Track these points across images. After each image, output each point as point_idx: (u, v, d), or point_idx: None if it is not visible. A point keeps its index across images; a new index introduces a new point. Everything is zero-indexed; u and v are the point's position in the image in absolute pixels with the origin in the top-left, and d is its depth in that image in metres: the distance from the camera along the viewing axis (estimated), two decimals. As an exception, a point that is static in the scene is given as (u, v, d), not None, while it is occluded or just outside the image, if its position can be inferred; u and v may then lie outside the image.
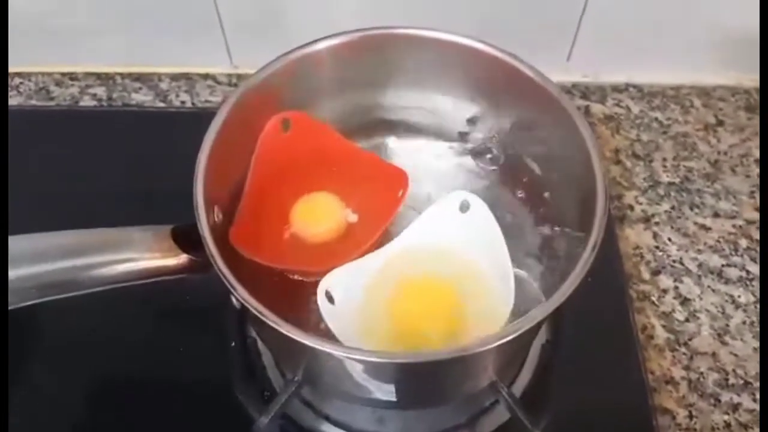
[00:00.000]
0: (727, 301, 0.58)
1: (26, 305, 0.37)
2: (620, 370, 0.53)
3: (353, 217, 0.48)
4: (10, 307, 0.36)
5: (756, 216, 0.63)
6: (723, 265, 0.60)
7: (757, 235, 0.62)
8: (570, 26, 0.67)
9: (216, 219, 0.41)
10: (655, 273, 0.60)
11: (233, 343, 0.53)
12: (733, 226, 0.62)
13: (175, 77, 0.72)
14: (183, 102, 0.70)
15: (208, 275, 0.37)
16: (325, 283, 0.43)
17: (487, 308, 0.43)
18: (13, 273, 0.36)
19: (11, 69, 0.71)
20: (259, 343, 0.52)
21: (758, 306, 0.58)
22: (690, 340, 0.56)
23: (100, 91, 0.71)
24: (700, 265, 0.60)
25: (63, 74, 0.72)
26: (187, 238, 0.38)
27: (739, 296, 0.58)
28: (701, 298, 0.58)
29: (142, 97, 0.71)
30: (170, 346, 0.53)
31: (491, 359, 0.42)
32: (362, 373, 0.40)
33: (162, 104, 0.70)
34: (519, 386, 0.52)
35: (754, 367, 0.54)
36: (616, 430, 0.51)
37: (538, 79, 0.46)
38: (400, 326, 0.43)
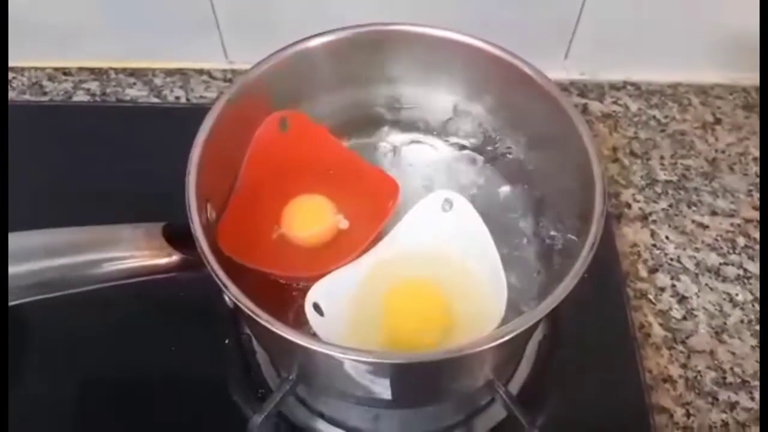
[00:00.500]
0: (724, 299, 0.58)
1: (13, 305, 0.36)
2: (617, 368, 0.53)
3: (344, 224, 0.47)
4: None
5: (754, 214, 0.63)
6: (721, 264, 0.60)
7: (754, 234, 0.61)
8: (568, 24, 0.67)
9: (209, 217, 0.41)
10: (653, 271, 0.59)
11: (227, 341, 0.52)
12: (731, 224, 0.62)
13: (169, 73, 0.71)
14: (177, 98, 0.70)
15: (200, 274, 0.37)
16: (313, 295, 0.42)
17: (479, 308, 0.43)
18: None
19: (4, 64, 0.71)
20: (254, 341, 0.52)
21: (756, 304, 0.57)
22: (687, 338, 0.56)
23: (94, 87, 0.71)
24: (697, 264, 0.60)
25: (56, 69, 0.72)
26: (179, 236, 0.38)
27: (736, 294, 0.58)
28: (699, 297, 0.58)
29: (137, 93, 0.70)
30: (164, 343, 0.52)
31: (488, 359, 0.41)
32: (357, 373, 0.39)
33: (156, 100, 0.70)
34: (516, 384, 0.51)
35: (751, 366, 0.54)
36: (613, 429, 0.51)
37: (535, 77, 0.45)
38: (392, 333, 0.43)
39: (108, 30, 0.69)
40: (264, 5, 0.65)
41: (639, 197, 0.64)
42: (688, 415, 0.52)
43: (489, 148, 0.51)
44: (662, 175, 0.65)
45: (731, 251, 0.60)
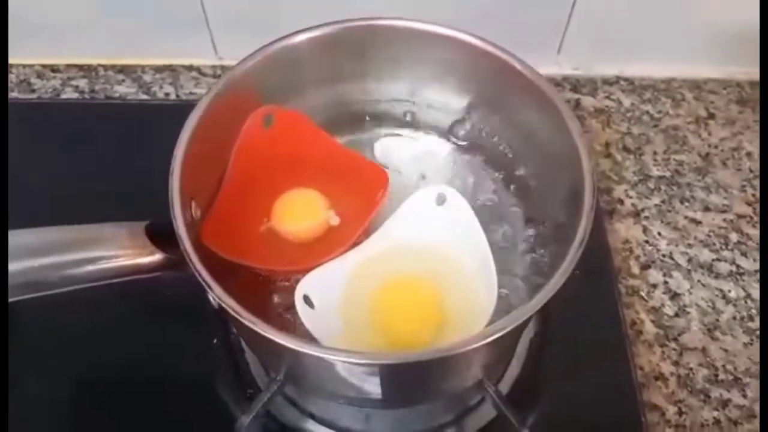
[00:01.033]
0: (717, 295, 0.57)
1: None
2: (609, 365, 0.53)
3: (335, 220, 0.47)
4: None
5: (747, 210, 0.62)
6: (713, 260, 0.59)
7: (747, 230, 0.61)
8: (560, 19, 0.66)
9: (194, 215, 0.40)
10: (645, 267, 0.59)
11: (215, 340, 0.52)
12: (724, 220, 0.62)
13: (159, 69, 0.71)
14: (167, 94, 0.69)
15: (184, 273, 0.36)
16: (303, 287, 0.42)
17: (471, 303, 0.42)
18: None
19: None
20: (243, 340, 0.51)
21: (749, 301, 0.57)
22: (679, 335, 0.55)
23: (83, 84, 0.70)
24: (690, 260, 0.59)
25: (44, 66, 0.71)
26: (162, 235, 0.37)
27: (729, 291, 0.58)
28: (691, 293, 0.58)
29: (125, 90, 0.70)
30: (152, 343, 0.52)
31: (477, 358, 0.41)
32: (345, 373, 0.39)
33: (145, 97, 0.69)
34: (506, 383, 0.51)
35: (744, 363, 0.54)
36: (604, 427, 0.51)
37: (526, 72, 0.45)
38: (383, 327, 0.42)
39: (97, 26, 0.68)
40: (254, 1, 0.64)
41: (631, 193, 0.63)
42: (680, 412, 0.52)
43: (479, 143, 0.51)
44: (655, 171, 0.65)
45: (724, 247, 0.60)
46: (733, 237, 0.61)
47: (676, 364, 0.54)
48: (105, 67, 0.71)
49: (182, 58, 0.71)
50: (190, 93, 0.69)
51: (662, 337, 0.55)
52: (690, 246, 0.60)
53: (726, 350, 0.55)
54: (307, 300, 0.42)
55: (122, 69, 0.71)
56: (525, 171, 0.49)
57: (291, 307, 0.42)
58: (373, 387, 0.40)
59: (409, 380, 0.41)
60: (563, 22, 0.67)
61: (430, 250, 0.45)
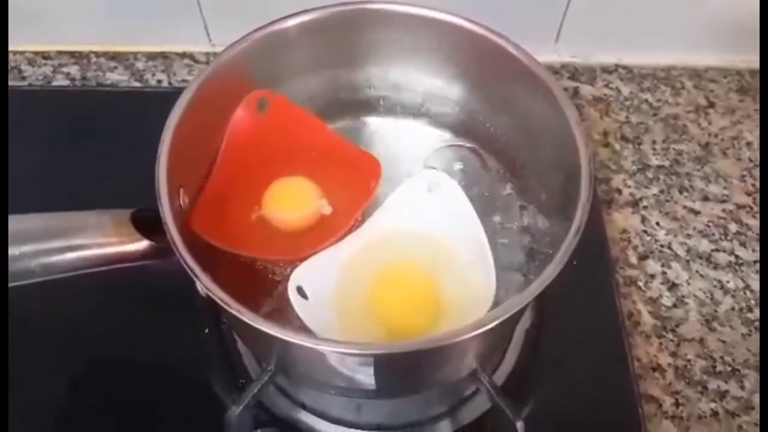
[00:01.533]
0: (715, 286, 0.57)
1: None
2: (606, 356, 0.52)
3: (328, 209, 0.46)
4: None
5: (746, 200, 0.61)
6: (712, 250, 0.59)
7: (747, 220, 0.60)
8: (559, 5, 0.65)
9: (182, 203, 0.40)
10: (643, 258, 0.58)
11: (207, 330, 0.51)
12: (723, 210, 0.61)
13: (151, 56, 0.70)
14: (159, 81, 0.68)
15: (170, 262, 0.35)
16: (296, 278, 0.41)
17: (468, 291, 0.42)
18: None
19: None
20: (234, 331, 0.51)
21: (747, 292, 0.56)
22: (677, 326, 0.55)
23: (74, 71, 0.69)
24: (688, 250, 0.59)
25: (35, 53, 0.70)
26: (149, 223, 0.37)
27: (728, 282, 0.57)
28: (689, 284, 0.57)
29: (118, 77, 0.69)
30: (143, 333, 0.51)
31: (471, 347, 0.40)
32: (336, 364, 0.38)
33: (138, 84, 0.68)
34: (502, 373, 0.51)
35: (742, 354, 0.53)
36: (601, 419, 0.50)
37: (522, 58, 0.44)
38: (378, 316, 0.42)
39: (89, 13, 0.67)
40: (247, -14, 0.63)
41: (630, 182, 0.63)
42: (677, 404, 0.51)
43: (474, 130, 0.50)
44: (654, 160, 0.64)
45: (723, 237, 0.59)
46: (733, 227, 0.60)
47: (673, 355, 0.53)
48: (97, 54, 0.70)
49: (175, 45, 0.70)
50: (183, 80, 0.68)
51: (660, 328, 0.55)
52: (689, 236, 0.59)
53: (724, 341, 0.54)
54: (300, 291, 0.41)
55: (114, 56, 0.70)
56: (521, 159, 0.48)
57: (284, 297, 0.42)
58: (365, 377, 0.39)
59: (402, 370, 0.40)
60: (561, 10, 0.66)
61: (423, 237, 0.44)
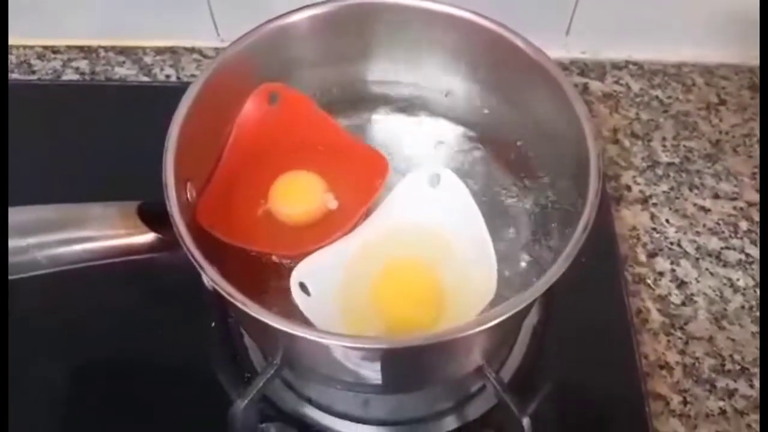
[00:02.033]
0: (725, 284, 0.56)
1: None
2: (613, 354, 0.52)
3: (334, 204, 0.46)
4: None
5: (757, 198, 0.61)
6: (722, 248, 0.58)
7: (758, 218, 0.60)
8: (569, 0, 0.65)
9: (189, 196, 0.40)
10: (652, 255, 0.58)
11: (213, 324, 0.51)
12: (734, 207, 0.60)
13: (159, 51, 0.70)
14: (168, 76, 0.68)
15: (177, 255, 0.35)
16: (298, 275, 0.41)
17: (470, 285, 0.41)
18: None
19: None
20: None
21: (758, 290, 0.56)
22: (686, 324, 0.54)
23: (83, 65, 0.69)
24: (698, 248, 0.58)
25: (45, 47, 0.70)
26: (156, 216, 0.37)
27: (737, 280, 0.56)
28: (699, 282, 0.56)
29: (126, 71, 0.69)
30: (150, 327, 0.51)
31: (477, 343, 0.40)
32: (342, 358, 0.38)
33: (146, 78, 0.68)
34: (508, 370, 0.50)
35: (751, 353, 0.53)
36: (607, 416, 0.50)
37: (532, 54, 0.44)
38: (382, 312, 0.41)
39: (97, 7, 0.67)
40: (256, -19, 0.63)
41: (639, 179, 0.62)
42: (685, 402, 0.51)
43: (482, 126, 0.50)
44: (664, 157, 0.63)
45: (733, 235, 0.59)
46: (743, 225, 0.59)
47: (681, 353, 0.53)
48: (106, 49, 0.70)
49: (184, 39, 0.70)
50: (191, 75, 0.68)
51: (668, 325, 0.54)
52: (698, 234, 0.59)
53: (733, 340, 0.54)
54: (303, 287, 0.41)
55: (123, 50, 0.70)
56: (529, 154, 0.48)
57: (286, 293, 0.42)
58: (370, 372, 0.39)
59: (407, 365, 0.40)
60: (571, 5, 0.65)
61: (426, 232, 0.44)
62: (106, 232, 0.36)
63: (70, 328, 0.52)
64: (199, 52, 0.70)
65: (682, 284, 0.56)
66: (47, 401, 0.49)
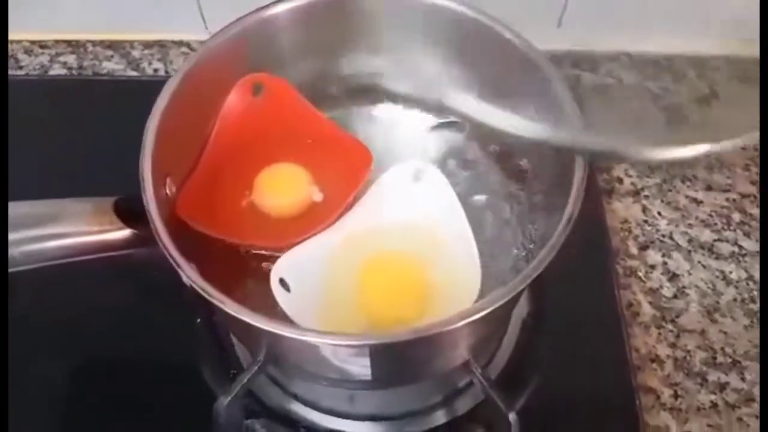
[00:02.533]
0: (717, 277, 0.56)
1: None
2: (603, 347, 0.51)
3: (319, 196, 0.45)
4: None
5: (750, 189, 0.60)
6: (715, 240, 0.58)
7: (750, 209, 0.59)
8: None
9: (168, 192, 0.39)
10: (643, 248, 0.57)
11: (198, 320, 0.51)
12: (726, 199, 0.60)
13: (147, 45, 0.69)
14: (156, 70, 0.68)
15: (154, 251, 0.35)
16: (278, 270, 0.40)
17: (455, 279, 0.41)
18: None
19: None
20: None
21: (750, 283, 0.55)
22: (677, 317, 0.54)
23: (71, 60, 0.69)
24: (690, 240, 0.58)
25: (32, 42, 0.70)
26: (132, 211, 0.36)
27: (730, 272, 0.56)
28: (691, 274, 0.56)
29: (114, 66, 0.68)
30: (134, 323, 0.51)
31: (462, 338, 0.40)
32: (325, 354, 0.38)
33: (134, 73, 0.68)
34: (497, 364, 0.50)
35: (743, 346, 0.52)
36: (597, 410, 0.49)
37: (520, 45, 0.43)
38: (365, 307, 0.41)
39: (85, 1, 0.67)
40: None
41: (631, 172, 0.62)
42: (675, 396, 0.50)
43: (467, 118, 0.49)
44: (656, 149, 0.63)
45: (726, 227, 0.58)
46: (736, 217, 0.59)
47: (673, 346, 0.52)
48: (93, 43, 0.70)
49: (172, 33, 0.69)
50: (180, 69, 0.68)
51: (659, 318, 0.54)
52: (690, 226, 0.58)
53: (725, 333, 0.53)
54: (283, 283, 0.40)
55: (111, 44, 0.69)
56: (516, 146, 0.47)
57: (267, 290, 0.41)
58: (353, 367, 0.38)
59: (391, 361, 0.40)
60: (563, -4, 0.64)
61: (408, 226, 0.43)
62: (80, 228, 0.36)
63: (54, 325, 0.51)
64: (188, 45, 0.69)
65: (673, 277, 0.56)
66: (33, 398, 0.49)
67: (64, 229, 0.35)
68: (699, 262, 0.57)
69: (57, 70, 0.68)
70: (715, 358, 0.52)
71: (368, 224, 0.43)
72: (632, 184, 0.61)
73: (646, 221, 0.59)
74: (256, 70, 0.45)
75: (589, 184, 0.39)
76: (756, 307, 0.54)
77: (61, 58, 0.69)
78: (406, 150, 0.48)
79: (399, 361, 0.41)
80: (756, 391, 0.50)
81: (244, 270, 0.43)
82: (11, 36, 0.70)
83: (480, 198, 0.46)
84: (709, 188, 0.60)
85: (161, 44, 0.69)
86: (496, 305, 0.35)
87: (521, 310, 0.52)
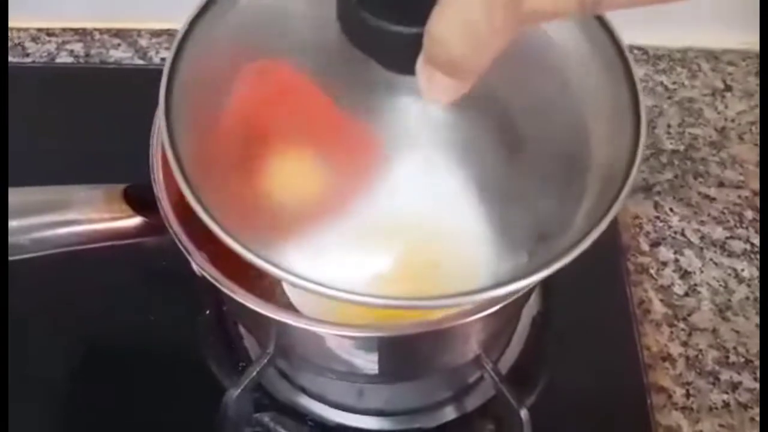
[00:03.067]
0: (729, 275, 0.55)
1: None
2: (614, 345, 0.51)
3: (325, 186, 0.44)
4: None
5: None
6: (727, 238, 0.57)
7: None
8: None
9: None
10: (655, 244, 0.57)
11: (208, 311, 0.50)
12: (739, 196, 0.59)
13: (155, 33, 0.69)
14: (163, 59, 0.66)
15: (165, 239, 0.34)
16: None
17: (461, 263, 0.40)
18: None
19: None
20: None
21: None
22: (689, 315, 0.53)
23: (78, 48, 0.68)
24: (702, 237, 0.57)
25: (39, 30, 0.69)
26: (142, 199, 0.36)
27: (742, 270, 0.55)
28: (702, 272, 0.55)
29: (121, 54, 0.68)
30: (143, 313, 0.51)
31: (473, 332, 0.39)
32: (334, 346, 0.37)
33: (141, 62, 0.67)
34: (507, 360, 0.49)
35: (756, 345, 0.52)
36: (608, 408, 0.49)
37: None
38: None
39: (93, -12, 0.66)
40: (252, -38, 0.62)
41: (643, 167, 0.61)
42: (687, 395, 0.50)
43: (477, 104, 0.48)
44: (668, 144, 0.62)
45: (738, 225, 0.58)
46: (749, 214, 0.58)
47: (684, 344, 0.52)
48: (101, 31, 0.69)
49: (179, 22, 0.68)
50: (188, 58, 0.67)
51: (671, 316, 0.53)
52: (703, 223, 0.58)
53: (738, 331, 0.52)
54: None
55: (118, 33, 0.69)
56: (525, 133, 0.46)
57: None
58: (363, 360, 0.38)
59: (401, 354, 0.39)
60: (575, -12, 0.64)
61: (415, 213, 0.42)
62: (90, 216, 0.35)
63: (62, 314, 0.51)
64: (196, 35, 0.69)
65: (685, 274, 0.55)
66: (39, 389, 0.49)
67: (74, 216, 0.35)
68: (711, 259, 0.56)
69: (64, 58, 0.67)
70: (727, 357, 0.51)
71: (378, 211, 0.42)
72: (644, 179, 0.60)
73: (657, 217, 0.58)
74: (267, 53, 0.44)
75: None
76: (769, 305, 0.54)
77: (68, 46, 0.68)
78: (412, 137, 0.47)
79: (408, 354, 0.40)
80: (769, 391, 0.50)
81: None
82: (18, 24, 0.69)
83: (484, 182, 0.45)
84: (721, 185, 0.60)
85: (169, 33, 0.69)
86: (509, 300, 0.34)
87: (531, 307, 0.51)
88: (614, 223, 0.56)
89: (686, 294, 0.54)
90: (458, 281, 0.40)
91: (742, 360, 0.51)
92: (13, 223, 0.34)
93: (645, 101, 0.37)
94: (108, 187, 0.37)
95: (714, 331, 0.52)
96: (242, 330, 0.50)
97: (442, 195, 0.43)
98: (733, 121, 0.63)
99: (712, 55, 0.67)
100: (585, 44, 0.39)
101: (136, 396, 0.48)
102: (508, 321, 0.47)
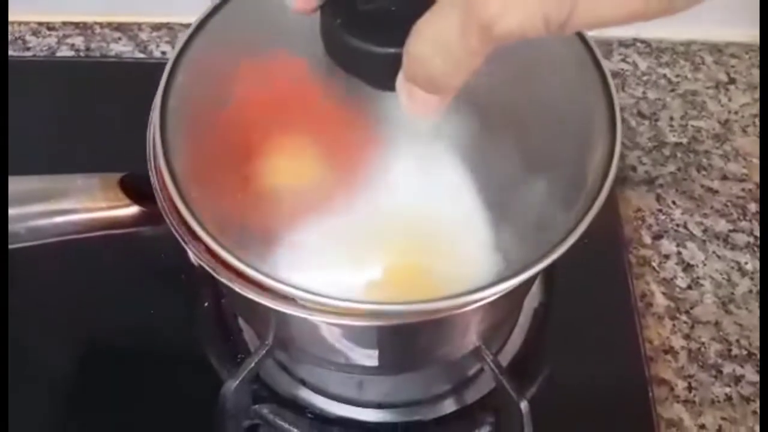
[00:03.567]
0: (732, 267, 0.55)
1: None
2: (616, 338, 0.50)
3: (325, 175, 0.44)
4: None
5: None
6: (730, 231, 0.57)
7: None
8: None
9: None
10: (657, 237, 0.56)
11: (206, 303, 0.50)
12: (742, 189, 0.59)
13: (156, 27, 0.69)
14: (164, 53, 0.67)
15: (162, 229, 0.34)
16: None
17: (458, 261, 0.40)
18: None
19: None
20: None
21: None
22: (692, 308, 0.53)
23: (78, 42, 0.68)
24: (705, 230, 0.57)
25: (40, 24, 0.69)
26: (139, 188, 0.35)
27: (745, 263, 0.55)
28: (705, 265, 0.55)
29: (122, 48, 0.67)
30: (141, 305, 0.50)
31: (473, 322, 0.39)
32: (332, 337, 0.37)
33: (142, 55, 0.67)
34: (508, 353, 0.49)
35: (758, 338, 0.51)
36: (609, 401, 0.48)
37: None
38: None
39: (92, -18, 0.66)
40: (253, -45, 0.62)
41: (645, 160, 0.61)
42: (689, 388, 0.49)
43: (477, 98, 0.48)
44: (671, 137, 0.62)
45: (741, 217, 0.57)
46: (752, 207, 0.58)
47: (687, 337, 0.52)
48: (101, 25, 0.69)
49: (180, 15, 0.69)
50: (188, 52, 0.67)
51: (673, 309, 0.53)
52: (705, 216, 0.57)
53: (740, 324, 0.52)
54: None
55: (119, 26, 0.69)
56: (527, 126, 0.46)
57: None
58: (362, 351, 0.38)
59: (401, 344, 0.39)
60: (578, -20, 0.63)
61: (415, 205, 0.42)
62: (87, 205, 0.35)
63: (59, 305, 0.51)
64: (196, 28, 0.68)
65: (688, 267, 0.55)
66: (34, 380, 0.49)
67: (71, 205, 0.35)
68: (714, 252, 0.56)
69: (64, 52, 0.67)
70: (730, 350, 0.51)
71: (375, 202, 0.42)
72: (646, 172, 0.60)
73: (660, 210, 0.58)
74: (267, 43, 0.44)
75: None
76: (772, 299, 0.53)
77: (69, 40, 0.68)
78: (411, 129, 0.47)
79: (407, 345, 0.40)
80: (772, 384, 0.49)
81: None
82: (19, 17, 0.69)
83: (486, 174, 0.45)
84: (724, 178, 0.59)
85: (169, 27, 0.69)
86: (508, 289, 0.34)
87: (532, 299, 0.51)
88: (616, 215, 0.56)
89: (689, 287, 0.54)
90: (456, 280, 0.40)
91: (745, 353, 0.51)
92: (10, 212, 0.33)
93: (617, 97, 0.40)
94: (104, 175, 0.37)
95: (716, 324, 0.52)
96: (241, 322, 0.50)
97: (439, 193, 0.43)
98: (736, 113, 0.63)
99: (715, 48, 0.67)
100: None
101: (134, 388, 0.48)
102: (509, 313, 0.47)
